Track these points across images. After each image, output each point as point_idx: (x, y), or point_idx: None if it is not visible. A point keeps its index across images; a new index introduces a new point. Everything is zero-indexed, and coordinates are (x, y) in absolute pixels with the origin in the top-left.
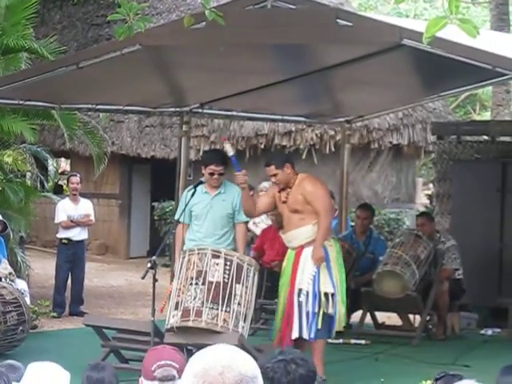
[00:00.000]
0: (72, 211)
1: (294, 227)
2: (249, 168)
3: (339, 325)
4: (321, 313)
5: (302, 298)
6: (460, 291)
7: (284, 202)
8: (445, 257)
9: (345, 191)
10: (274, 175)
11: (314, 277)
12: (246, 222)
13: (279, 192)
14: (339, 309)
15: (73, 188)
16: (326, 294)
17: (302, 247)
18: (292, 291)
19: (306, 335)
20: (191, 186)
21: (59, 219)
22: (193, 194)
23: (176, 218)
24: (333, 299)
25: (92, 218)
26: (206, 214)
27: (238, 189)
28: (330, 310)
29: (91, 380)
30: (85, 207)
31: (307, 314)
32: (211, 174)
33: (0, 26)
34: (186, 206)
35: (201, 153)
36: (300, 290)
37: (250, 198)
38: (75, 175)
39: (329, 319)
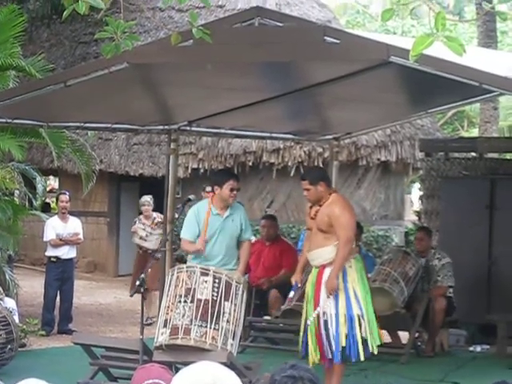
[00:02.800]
0: (61, 229)
1: (318, 246)
2: None
3: (374, 347)
4: (342, 335)
5: (327, 322)
6: (451, 308)
7: (312, 218)
8: (440, 274)
9: None
10: (307, 190)
11: (335, 300)
12: (250, 240)
13: (310, 207)
14: (369, 330)
15: (62, 206)
16: (344, 316)
17: (323, 267)
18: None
19: (337, 359)
20: (195, 206)
21: (48, 237)
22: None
23: (183, 236)
24: (359, 321)
25: (81, 236)
26: (217, 235)
27: (242, 207)
28: (355, 333)
29: None
30: (74, 225)
31: (328, 336)
32: (231, 190)
33: None
34: (196, 223)
35: (189, 170)
36: (324, 314)
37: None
38: (64, 193)
39: (354, 341)
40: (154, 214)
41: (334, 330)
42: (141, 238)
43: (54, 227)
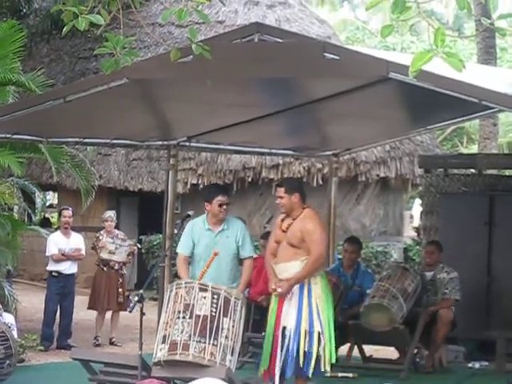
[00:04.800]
0: (63, 245)
1: (286, 260)
2: (236, 201)
3: (326, 364)
4: (301, 351)
5: (286, 335)
6: (453, 325)
7: (284, 232)
8: (448, 286)
9: (332, 224)
10: (281, 197)
11: (297, 314)
12: (251, 257)
13: (282, 220)
14: (326, 348)
15: (65, 222)
16: (305, 332)
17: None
18: (277, 327)
19: (288, 373)
20: (192, 221)
21: (50, 252)
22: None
23: (178, 250)
24: (319, 338)
25: (83, 252)
26: (210, 252)
27: (240, 223)
28: (313, 349)
29: None
30: (76, 241)
31: (288, 351)
32: (220, 206)
33: None
34: (191, 238)
35: (188, 186)
36: (284, 328)
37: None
38: (67, 209)
39: (309, 357)
40: (117, 231)
41: (293, 344)
42: (109, 252)
43: (56, 242)
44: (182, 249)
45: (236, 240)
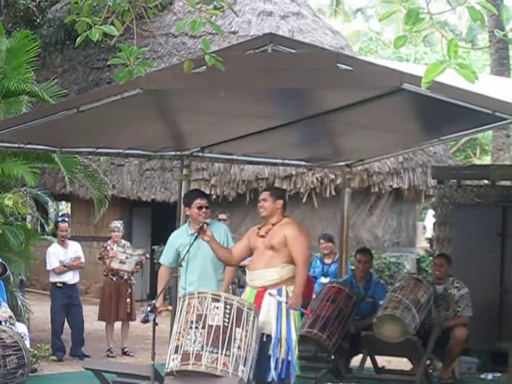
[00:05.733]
0: (62, 256)
1: (262, 267)
2: (249, 212)
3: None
4: (280, 358)
5: (264, 341)
6: (467, 337)
7: (262, 237)
8: (460, 304)
9: (345, 235)
10: (264, 200)
11: (277, 322)
12: None
13: (259, 228)
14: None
15: (61, 235)
16: (285, 339)
17: (264, 289)
18: None
19: (269, 378)
20: (175, 232)
21: (52, 265)
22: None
23: (160, 261)
24: (297, 345)
25: (82, 259)
26: (195, 254)
27: (223, 226)
28: (293, 357)
29: None
30: (74, 250)
31: (268, 357)
32: (199, 208)
33: (1, 69)
34: (173, 249)
35: None
36: (262, 334)
37: (219, 248)
38: (64, 220)
39: (288, 365)
40: (123, 241)
41: (273, 352)
42: (120, 261)
43: (56, 254)
44: (163, 260)
45: (221, 242)
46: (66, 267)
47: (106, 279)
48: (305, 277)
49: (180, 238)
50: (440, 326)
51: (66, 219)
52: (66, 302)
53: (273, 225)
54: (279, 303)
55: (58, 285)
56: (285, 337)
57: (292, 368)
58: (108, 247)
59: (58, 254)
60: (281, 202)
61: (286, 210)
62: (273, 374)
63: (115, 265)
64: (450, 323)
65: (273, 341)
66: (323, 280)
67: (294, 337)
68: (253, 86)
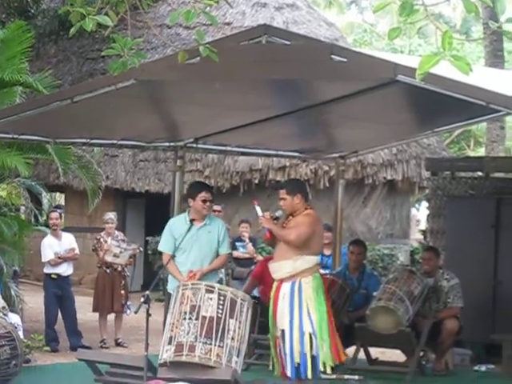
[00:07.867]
0: (57, 247)
1: (279, 259)
2: (243, 203)
3: (326, 365)
4: (296, 352)
5: (284, 339)
6: (459, 329)
7: (283, 227)
8: (450, 295)
9: (339, 226)
10: (283, 199)
11: (290, 316)
12: (227, 254)
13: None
14: (321, 349)
15: (53, 223)
16: (298, 332)
17: (281, 281)
18: (276, 329)
19: (288, 373)
20: (172, 219)
21: (47, 257)
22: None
23: (160, 249)
24: (311, 339)
25: (77, 251)
26: (191, 245)
27: (221, 221)
28: (306, 350)
29: None
30: (69, 241)
31: (285, 352)
32: (204, 202)
33: None
34: (171, 236)
35: None
36: (282, 331)
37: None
38: (55, 211)
39: (309, 359)
40: (117, 232)
41: (288, 346)
42: (114, 255)
43: (50, 246)
44: (165, 248)
45: (217, 236)
46: (61, 259)
47: (100, 271)
48: (281, 234)
49: (177, 226)
50: (435, 317)
51: (59, 210)
52: (58, 293)
53: (293, 216)
54: (292, 296)
55: (53, 276)
56: (298, 329)
57: (317, 362)
58: (102, 239)
59: (52, 246)
60: (299, 195)
61: (307, 199)
62: (289, 368)
63: (109, 258)
64: (442, 315)
65: (286, 336)
66: (321, 272)
67: (307, 329)
68: (247, 77)
